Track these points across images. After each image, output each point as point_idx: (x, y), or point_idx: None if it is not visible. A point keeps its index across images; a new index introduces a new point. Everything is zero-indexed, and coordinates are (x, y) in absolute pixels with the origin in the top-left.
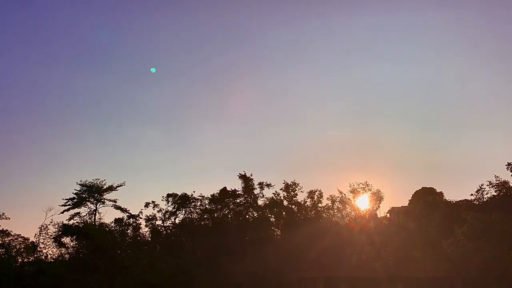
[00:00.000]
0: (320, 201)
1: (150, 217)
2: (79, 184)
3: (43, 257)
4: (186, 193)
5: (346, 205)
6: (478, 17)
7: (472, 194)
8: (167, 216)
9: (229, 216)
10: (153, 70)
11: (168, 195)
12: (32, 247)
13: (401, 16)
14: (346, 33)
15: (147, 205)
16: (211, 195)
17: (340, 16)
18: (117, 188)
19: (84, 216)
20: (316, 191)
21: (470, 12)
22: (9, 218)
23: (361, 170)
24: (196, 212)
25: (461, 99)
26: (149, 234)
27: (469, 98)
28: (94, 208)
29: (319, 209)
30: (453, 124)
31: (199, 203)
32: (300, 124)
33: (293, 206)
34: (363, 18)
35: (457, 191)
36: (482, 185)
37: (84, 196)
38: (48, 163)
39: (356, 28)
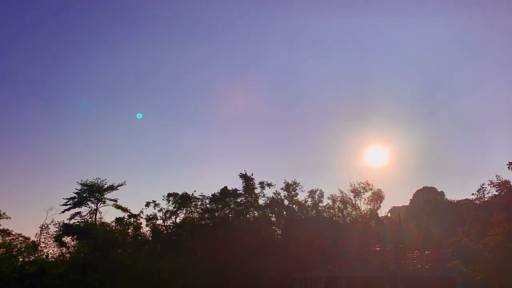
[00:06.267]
0: (321, 200)
1: (150, 216)
2: (80, 184)
3: (44, 256)
4: (186, 193)
5: (347, 205)
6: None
7: (473, 194)
8: (167, 215)
9: (230, 215)
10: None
11: (169, 195)
12: (33, 247)
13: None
14: (345, 30)
15: (147, 204)
16: (211, 195)
17: (341, 12)
18: (118, 188)
19: (85, 215)
20: (317, 190)
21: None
22: (9, 218)
23: (362, 169)
24: (197, 212)
25: (462, 98)
26: (149, 233)
27: (470, 96)
28: (95, 207)
29: (320, 208)
30: (454, 123)
31: (199, 202)
32: (300, 124)
33: (294, 206)
34: (364, 16)
35: (458, 190)
36: (483, 185)
37: (85, 195)
38: (48, 162)
39: (355, 25)
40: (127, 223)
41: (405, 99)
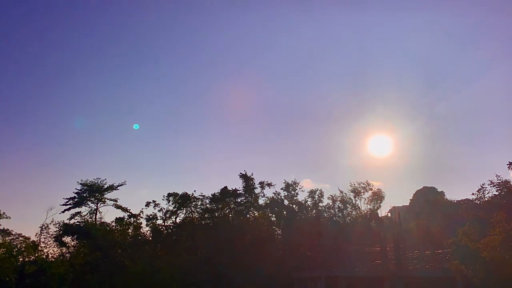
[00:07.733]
0: (321, 200)
1: (150, 216)
2: (80, 184)
3: (44, 256)
4: (186, 192)
5: (347, 205)
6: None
7: (473, 194)
8: (167, 215)
9: (230, 215)
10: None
11: (169, 195)
12: (33, 247)
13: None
14: (347, 24)
15: (148, 204)
16: (212, 195)
17: (343, 7)
18: (118, 188)
19: (85, 215)
20: (317, 190)
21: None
22: (10, 218)
23: (362, 169)
24: (197, 212)
25: (462, 97)
26: (149, 233)
27: (470, 95)
28: (95, 207)
29: (320, 208)
30: (454, 123)
31: (199, 202)
32: (299, 123)
33: (294, 206)
34: (366, 9)
35: (458, 190)
36: (483, 185)
37: (85, 195)
38: (49, 162)
39: (357, 19)
40: (127, 223)
41: (408, 90)
